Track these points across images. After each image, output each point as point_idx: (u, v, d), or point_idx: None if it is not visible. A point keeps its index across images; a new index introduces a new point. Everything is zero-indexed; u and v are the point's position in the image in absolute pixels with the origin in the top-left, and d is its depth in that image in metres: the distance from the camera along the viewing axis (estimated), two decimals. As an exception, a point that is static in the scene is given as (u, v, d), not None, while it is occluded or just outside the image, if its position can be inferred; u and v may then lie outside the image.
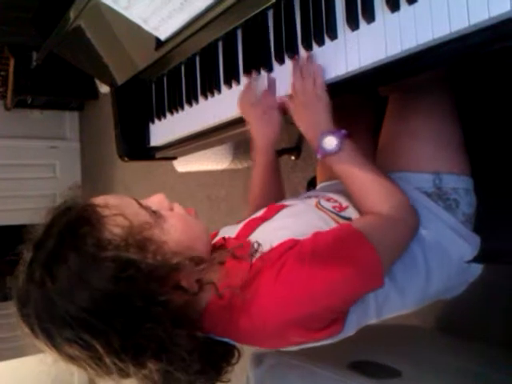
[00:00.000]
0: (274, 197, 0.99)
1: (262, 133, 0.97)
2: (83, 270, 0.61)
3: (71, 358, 0.64)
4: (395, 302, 0.79)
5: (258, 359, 0.93)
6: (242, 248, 0.75)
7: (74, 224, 0.65)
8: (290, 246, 0.70)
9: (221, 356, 0.73)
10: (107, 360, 0.63)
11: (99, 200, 0.69)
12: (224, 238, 0.83)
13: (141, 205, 0.72)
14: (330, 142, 0.79)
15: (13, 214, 3.44)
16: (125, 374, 0.66)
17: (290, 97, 0.88)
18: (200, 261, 0.70)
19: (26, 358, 3.38)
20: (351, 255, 0.69)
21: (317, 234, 0.72)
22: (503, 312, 1.33)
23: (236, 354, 0.76)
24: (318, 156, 0.81)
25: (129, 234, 0.65)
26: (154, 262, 0.65)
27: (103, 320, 0.61)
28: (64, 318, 0.61)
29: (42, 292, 0.62)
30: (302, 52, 0.89)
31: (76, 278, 0.61)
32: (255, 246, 0.74)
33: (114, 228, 0.65)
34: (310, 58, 0.86)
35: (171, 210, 0.76)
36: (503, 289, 1.29)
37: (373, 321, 0.80)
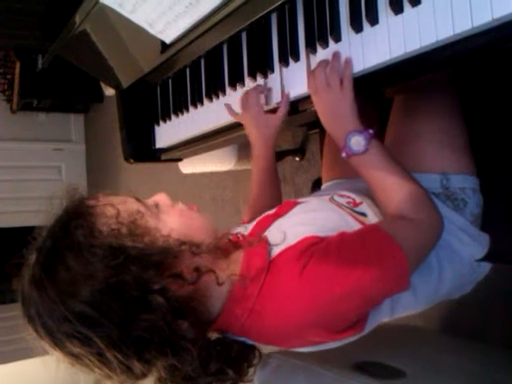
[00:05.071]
0: (271, 203, 0.96)
1: (258, 134, 0.96)
2: (77, 262, 0.62)
3: (75, 357, 0.64)
4: (408, 300, 0.79)
5: (263, 360, 0.93)
6: (258, 243, 0.73)
7: (66, 221, 0.66)
8: (314, 243, 0.68)
9: (240, 356, 0.72)
10: (108, 354, 0.62)
11: (91, 197, 0.70)
12: (237, 236, 0.81)
13: (138, 200, 0.71)
14: (358, 142, 0.75)
15: (19, 216, 3.46)
16: (131, 374, 0.65)
17: (313, 92, 0.83)
18: (197, 248, 0.68)
19: (33, 359, 3.39)
20: (379, 256, 0.67)
21: (343, 234, 0.70)
22: (505, 313, 1.33)
23: (257, 353, 0.75)
24: (343, 155, 0.78)
25: (118, 222, 0.65)
26: (145, 248, 0.64)
27: (98, 311, 0.61)
28: (61, 312, 0.61)
29: (41, 292, 0.63)
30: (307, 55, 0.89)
31: (70, 271, 0.62)
32: (275, 240, 0.73)
33: (103, 217, 0.66)
34: (336, 55, 0.81)
35: (172, 207, 0.76)
36: (506, 290, 1.29)
37: (386, 319, 0.80)
